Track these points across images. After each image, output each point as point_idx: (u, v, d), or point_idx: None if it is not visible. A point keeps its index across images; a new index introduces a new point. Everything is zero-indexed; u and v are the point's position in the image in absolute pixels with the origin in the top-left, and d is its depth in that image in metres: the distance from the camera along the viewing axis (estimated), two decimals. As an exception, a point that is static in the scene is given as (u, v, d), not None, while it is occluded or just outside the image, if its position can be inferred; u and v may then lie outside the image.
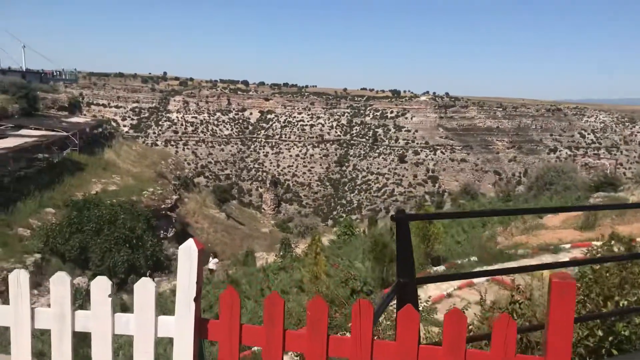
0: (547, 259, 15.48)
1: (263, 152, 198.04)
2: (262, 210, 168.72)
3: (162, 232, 42.02)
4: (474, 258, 15.99)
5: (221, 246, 52.92)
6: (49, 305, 3.48)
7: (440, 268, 15.46)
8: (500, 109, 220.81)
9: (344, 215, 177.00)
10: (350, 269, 17.37)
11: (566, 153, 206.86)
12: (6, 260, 26.25)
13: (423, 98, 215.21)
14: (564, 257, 15.28)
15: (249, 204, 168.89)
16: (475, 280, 14.66)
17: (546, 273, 13.85)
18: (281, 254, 25.68)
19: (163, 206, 43.69)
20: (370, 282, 13.97)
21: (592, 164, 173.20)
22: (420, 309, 13.54)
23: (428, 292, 14.49)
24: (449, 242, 17.56)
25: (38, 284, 27.54)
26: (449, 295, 13.92)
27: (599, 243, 16.55)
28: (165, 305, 18.85)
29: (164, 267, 35.59)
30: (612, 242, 12.18)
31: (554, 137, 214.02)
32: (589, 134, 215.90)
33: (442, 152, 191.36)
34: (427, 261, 15.87)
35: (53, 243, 29.81)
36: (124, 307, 19.61)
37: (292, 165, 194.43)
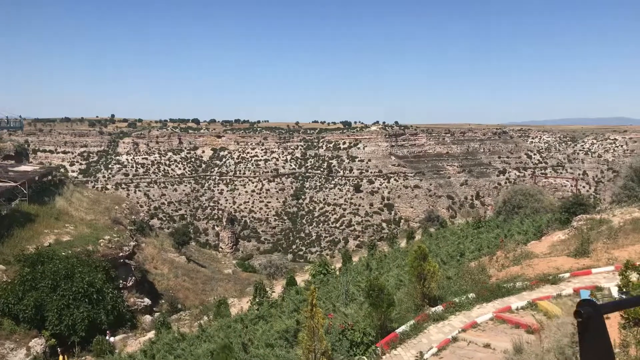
0: (549, 290, 14.76)
1: (218, 190, 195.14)
2: (220, 249, 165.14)
3: (121, 281, 39.74)
4: (471, 295, 15.13)
5: (184, 292, 50.76)
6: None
7: (439, 308, 14.52)
8: (449, 135, 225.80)
9: (304, 248, 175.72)
10: (342, 316, 16.23)
11: (515, 174, 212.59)
12: (-48, 326, 23.94)
13: (374, 128, 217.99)
14: (565, 288, 14.59)
15: (205, 244, 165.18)
16: (478, 319, 13.77)
17: (557, 310, 13.07)
18: (256, 300, 24.23)
19: (121, 254, 41.40)
20: (370, 332, 12.87)
21: (553, 184, 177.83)
22: (426, 356, 12.53)
23: (430, 336, 13.51)
24: (439, 278, 16.63)
25: (-11, 350, 25.23)
26: (455, 339, 12.93)
27: (600, 270, 16.04)
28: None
29: (126, 319, 33.43)
30: (627, 271, 11.52)
31: (502, 159, 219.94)
32: (534, 154, 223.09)
33: (395, 179, 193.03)
34: (424, 302, 14.91)
35: (5, 303, 27.56)
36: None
37: (248, 201, 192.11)
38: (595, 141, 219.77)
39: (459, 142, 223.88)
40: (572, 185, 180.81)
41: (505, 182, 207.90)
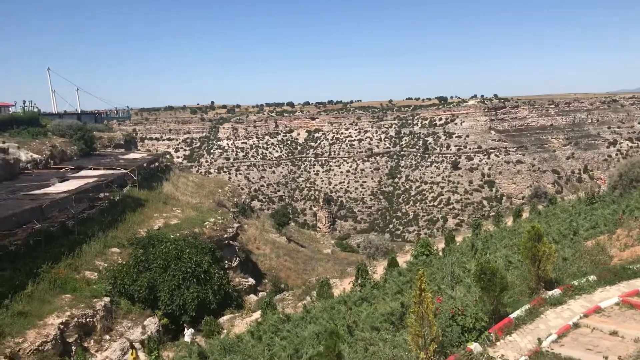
0: (685, 274, 13.36)
1: (314, 171, 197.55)
2: (318, 229, 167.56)
3: (226, 262, 41.08)
4: (592, 277, 14.00)
5: (285, 271, 51.77)
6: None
7: (556, 292, 13.54)
8: (553, 106, 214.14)
9: (401, 227, 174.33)
10: (449, 299, 15.61)
11: (627, 145, 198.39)
12: (76, 306, 25.60)
13: (471, 102, 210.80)
14: None
15: (303, 224, 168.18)
16: (602, 304, 12.69)
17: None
18: (359, 281, 24.04)
19: (225, 235, 42.78)
20: (482, 317, 12.20)
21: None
22: (545, 344, 11.69)
23: (548, 321, 12.62)
24: (555, 260, 15.52)
25: (109, 328, 26.83)
26: (576, 326, 11.98)
27: None
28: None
29: (232, 299, 34.46)
30: None
31: (612, 129, 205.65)
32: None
33: (496, 155, 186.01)
34: (539, 285, 13.97)
35: (121, 284, 29.14)
36: (202, 354, 18.37)
37: (344, 182, 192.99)
38: None
39: (564, 113, 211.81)
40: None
41: (617, 154, 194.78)
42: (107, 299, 27.34)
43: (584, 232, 24.15)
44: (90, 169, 46.27)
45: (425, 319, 11.09)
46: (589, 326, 11.86)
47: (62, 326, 23.95)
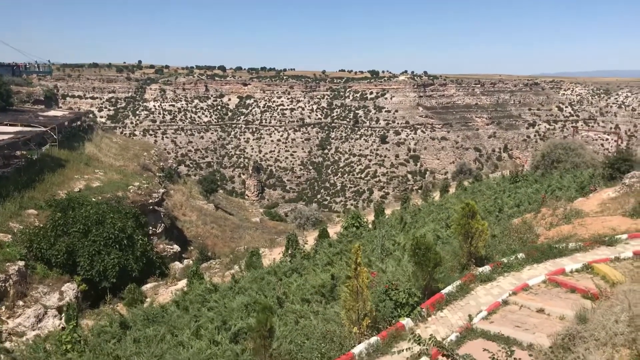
0: (605, 252, 13.89)
1: (244, 138, 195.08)
2: (246, 197, 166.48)
3: (150, 228, 39.87)
4: (520, 255, 14.35)
5: (212, 239, 50.98)
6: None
7: (486, 269, 13.79)
8: (479, 86, 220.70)
9: (328, 198, 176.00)
10: (379, 272, 15.62)
11: (545, 127, 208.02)
12: (-13, 270, 24.01)
13: (402, 78, 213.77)
14: (623, 251, 13.71)
15: (232, 192, 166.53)
16: (530, 282, 13.01)
17: (618, 274, 12.23)
18: (289, 252, 23.79)
19: (150, 201, 41.38)
20: (415, 293, 12.21)
21: (592, 138, 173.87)
22: (475, 320, 11.86)
23: (478, 298, 12.82)
24: (487, 237, 15.82)
25: (23, 294, 25.40)
26: (505, 303, 12.22)
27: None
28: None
29: (155, 267, 33.50)
30: None
31: (533, 111, 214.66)
32: (566, 106, 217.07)
33: (422, 131, 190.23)
34: (469, 262, 14.18)
35: (37, 248, 27.55)
36: (124, 324, 17.62)
37: (274, 151, 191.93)
38: (630, 94, 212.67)
39: (489, 93, 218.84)
40: (614, 140, 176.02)
41: (535, 135, 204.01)
42: (21, 263, 25.78)
43: (508, 209, 24.95)
44: (6, 124, 43.33)
45: (360, 294, 10.95)
46: (517, 303, 12.13)
47: (-31, 291, 22.44)
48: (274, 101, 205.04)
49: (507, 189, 30.87)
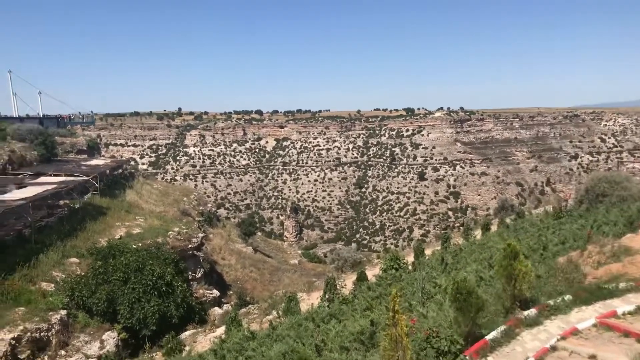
0: (660, 293, 13.12)
1: (281, 180, 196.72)
2: (285, 238, 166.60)
3: (190, 273, 39.97)
4: (568, 297, 13.66)
5: (251, 282, 50.82)
6: None
7: (532, 312, 13.16)
8: (517, 119, 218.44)
9: (367, 237, 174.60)
10: (420, 317, 15.10)
11: (588, 159, 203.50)
12: (30, 319, 24.27)
13: (438, 114, 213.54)
14: (680, 291, 12.92)
15: (270, 233, 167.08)
16: (579, 325, 12.33)
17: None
18: (327, 296, 23.38)
19: (190, 246, 41.66)
20: (457, 340, 11.69)
21: (638, 169, 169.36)
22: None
23: (524, 343, 12.19)
24: (531, 278, 15.17)
25: (65, 343, 25.56)
26: (554, 349, 11.57)
27: None
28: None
29: (195, 313, 33.39)
30: None
31: (574, 143, 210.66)
32: (609, 137, 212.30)
33: (461, 166, 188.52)
34: (514, 305, 13.57)
35: (79, 296, 27.82)
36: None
37: (311, 191, 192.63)
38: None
39: (528, 127, 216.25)
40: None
41: (578, 168, 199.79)
42: (63, 312, 26.03)
43: (553, 247, 24.04)
44: (50, 175, 44.62)
45: (399, 343, 10.52)
46: (567, 349, 11.47)
47: (13, 341, 22.60)
48: (310, 142, 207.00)
49: (550, 225, 29.86)
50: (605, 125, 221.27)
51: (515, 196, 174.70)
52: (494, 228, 37.73)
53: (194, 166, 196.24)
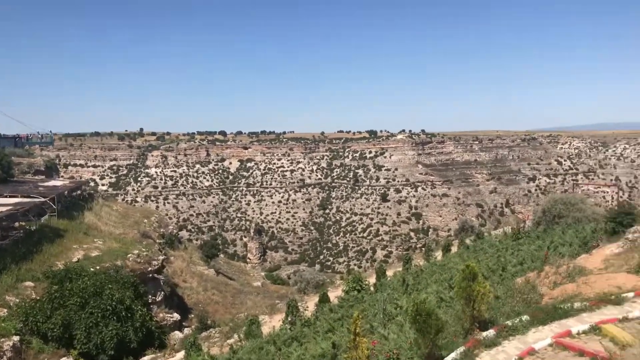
0: (613, 312, 13.47)
1: (245, 201, 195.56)
2: (248, 260, 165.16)
3: (150, 296, 39.16)
4: (525, 317, 13.91)
5: (213, 305, 50.06)
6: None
7: (490, 333, 13.34)
8: (477, 142, 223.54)
9: (331, 259, 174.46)
10: (381, 338, 15.16)
11: (545, 181, 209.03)
12: (-20, 347, 23.37)
13: (400, 136, 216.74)
14: (632, 310, 13.30)
15: (233, 255, 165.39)
16: (536, 345, 12.57)
17: (627, 336, 11.81)
18: (289, 319, 23.23)
19: (150, 269, 40.82)
20: (418, 361, 11.77)
21: (592, 191, 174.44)
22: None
23: (482, 364, 12.34)
24: (489, 299, 15.41)
25: (18, 371, 24.64)
26: (511, 369, 11.73)
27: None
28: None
29: (155, 337, 32.67)
30: None
31: (532, 165, 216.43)
32: (565, 160, 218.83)
33: (423, 188, 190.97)
34: (473, 326, 13.74)
35: (33, 322, 26.87)
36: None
37: (275, 212, 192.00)
38: (627, 146, 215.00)
39: (487, 149, 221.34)
40: (613, 192, 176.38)
41: (536, 189, 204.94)
42: (16, 338, 25.13)
43: (511, 267, 24.55)
44: (6, 196, 43.34)
45: (360, 365, 10.55)
46: (525, 370, 11.64)
47: (-38, 370, 21.77)
48: (274, 163, 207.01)
49: (509, 246, 30.50)
50: (561, 148, 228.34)
51: (475, 217, 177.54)
52: (454, 249, 38.25)
53: (155, 187, 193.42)
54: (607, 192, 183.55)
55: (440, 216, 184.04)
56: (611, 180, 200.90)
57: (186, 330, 37.25)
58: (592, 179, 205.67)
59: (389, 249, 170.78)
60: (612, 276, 16.19)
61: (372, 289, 27.67)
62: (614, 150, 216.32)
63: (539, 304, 15.35)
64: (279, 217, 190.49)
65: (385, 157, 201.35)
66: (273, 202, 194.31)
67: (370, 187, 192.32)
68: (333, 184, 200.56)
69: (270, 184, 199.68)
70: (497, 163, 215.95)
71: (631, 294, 14.45)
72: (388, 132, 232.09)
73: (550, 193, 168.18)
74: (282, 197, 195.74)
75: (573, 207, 34.40)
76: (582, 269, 17.86)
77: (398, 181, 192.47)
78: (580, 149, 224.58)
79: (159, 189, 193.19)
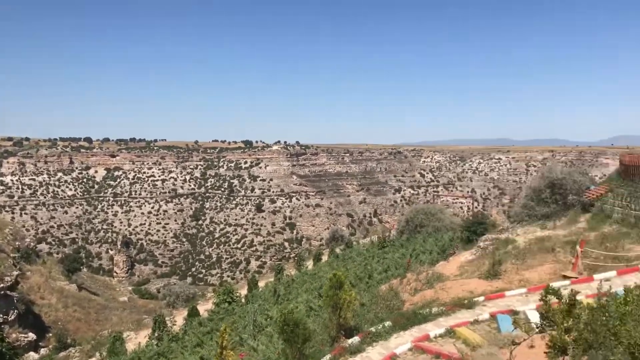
0: (465, 316, 14.48)
1: (112, 212, 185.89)
2: (115, 274, 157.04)
3: (1, 316, 36.00)
4: (388, 323, 14.53)
5: (74, 323, 47.06)
6: None
7: (355, 340, 13.78)
8: (348, 155, 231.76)
9: (204, 271, 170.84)
10: (250, 350, 15.10)
11: (410, 192, 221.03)
12: None
13: (275, 147, 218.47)
14: (481, 313, 14.39)
15: (98, 269, 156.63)
16: (397, 350, 13.17)
17: (477, 337, 12.74)
18: (155, 334, 22.35)
19: (1, 285, 37.56)
20: (286, 372, 11.85)
21: (451, 201, 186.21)
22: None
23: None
24: (354, 307, 15.92)
25: None
26: (374, 375, 12.19)
27: (514, 293, 16.05)
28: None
29: (6, 359, 30.01)
30: (548, 295, 11.32)
31: (398, 177, 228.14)
32: (427, 173, 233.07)
33: (297, 198, 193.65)
34: (339, 334, 14.11)
35: None
36: None
37: (145, 223, 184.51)
38: (482, 160, 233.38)
39: (358, 162, 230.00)
40: (468, 203, 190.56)
41: (401, 200, 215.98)
42: None
43: (377, 275, 25.58)
44: None
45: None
46: (387, 375, 12.14)
47: None
48: (145, 172, 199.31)
49: (376, 255, 31.76)
50: (424, 161, 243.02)
51: (346, 227, 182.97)
52: (325, 258, 39.12)
53: (11, 197, 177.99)
54: (464, 203, 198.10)
55: (313, 226, 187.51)
56: (468, 191, 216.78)
57: (43, 351, 34.68)
58: (451, 191, 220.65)
59: (263, 260, 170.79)
60: (465, 282, 17.44)
61: (243, 300, 27.49)
62: (470, 164, 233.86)
63: (400, 310, 16.13)
64: (149, 229, 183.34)
65: (260, 167, 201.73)
66: (142, 213, 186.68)
67: (245, 198, 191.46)
68: (207, 194, 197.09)
69: (140, 194, 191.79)
70: (366, 175, 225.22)
71: (482, 298, 15.65)
72: (264, 142, 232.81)
73: (414, 203, 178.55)
74: (153, 207, 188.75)
75: (433, 217, 36.63)
76: (440, 275, 19.04)
77: (273, 191, 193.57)
78: (441, 163, 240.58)
79: (15, 198, 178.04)
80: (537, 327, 9.94)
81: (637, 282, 12.90)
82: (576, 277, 15.95)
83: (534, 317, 12.21)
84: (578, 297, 9.85)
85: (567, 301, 9.75)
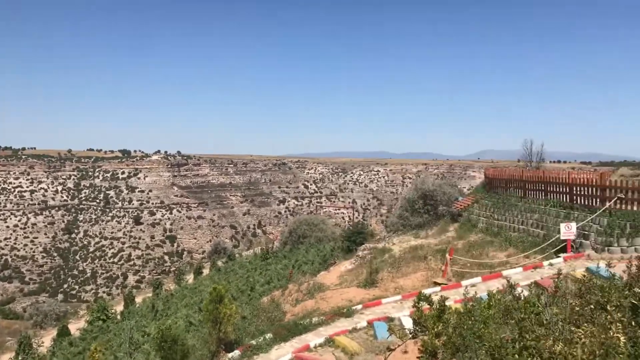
0: (344, 324, 14.83)
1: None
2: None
3: None
4: (269, 335, 14.51)
5: None
6: None
7: (235, 354, 13.64)
8: (232, 165, 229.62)
9: (77, 287, 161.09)
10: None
11: (294, 203, 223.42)
12: None
13: (155, 157, 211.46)
14: (359, 321, 14.81)
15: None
16: (279, 361, 13.19)
17: (355, 345, 13.08)
18: (20, 357, 20.70)
19: None
20: (163, 391, 11.47)
21: (333, 212, 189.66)
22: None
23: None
24: (235, 320, 15.78)
25: None
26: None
27: (389, 300, 16.66)
28: None
29: None
30: (420, 302, 11.89)
31: (282, 188, 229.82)
32: (311, 184, 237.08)
33: (178, 210, 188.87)
34: (219, 348, 13.89)
35: None
36: None
37: (10, 238, 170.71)
38: (362, 172, 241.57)
39: (242, 173, 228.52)
40: (349, 213, 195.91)
41: (285, 211, 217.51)
42: None
43: (259, 287, 25.55)
44: None
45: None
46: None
47: None
48: (11, 182, 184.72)
49: (258, 266, 31.71)
50: (308, 173, 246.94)
51: (229, 239, 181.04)
52: (206, 271, 38.43)
53: None
54: (345, 213, 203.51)
55: (195, 238, 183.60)
56: (349, 202, 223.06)
57: None
58: (334, 201, 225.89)
59: (142, 274, 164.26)
60: (345, 291, 17.90)
61: (119, 317, 26.27)
62: (351, 176, 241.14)
63: (282, 322, 16.21)
64: (15, 244, 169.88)
65: (139, 178, 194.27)
66: (8, 227, 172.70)
67: (122, 210, 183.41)
68: (81, 206, 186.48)
69: (5, 206, 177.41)
70: (250, 186, 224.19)
71: (360, 306, 16.13)
72: (142, 152, 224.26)
73: (298, 214, 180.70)
74: (20, 220, 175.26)
75: (315, 227, 37.27)
76: (321, 285, 19.39)
77: (152, 203, 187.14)
78: (324, 174, 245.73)
79: None
80: (410, 333, 10.35)
81: (499, 287, 13.93)
82: (446, 284, 16.93)
83: (408, 323, 12.80)
84: (447, 303, 10.35)
85: (437, 307, 10.32)
